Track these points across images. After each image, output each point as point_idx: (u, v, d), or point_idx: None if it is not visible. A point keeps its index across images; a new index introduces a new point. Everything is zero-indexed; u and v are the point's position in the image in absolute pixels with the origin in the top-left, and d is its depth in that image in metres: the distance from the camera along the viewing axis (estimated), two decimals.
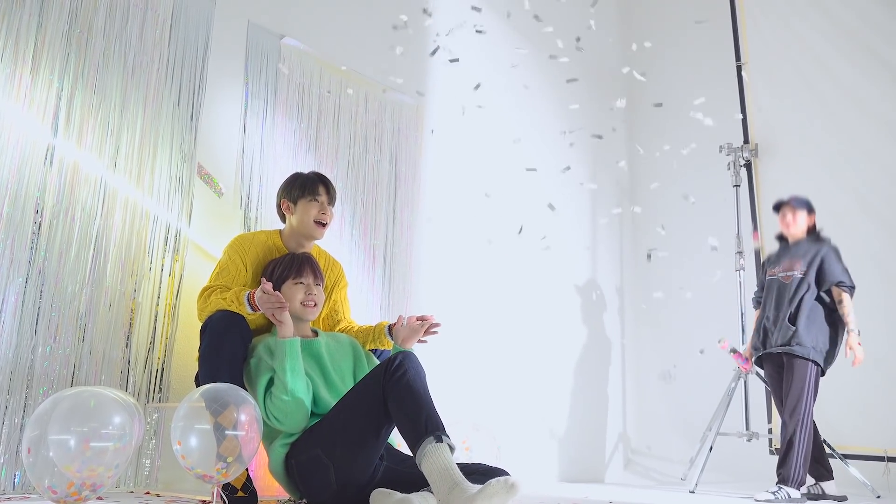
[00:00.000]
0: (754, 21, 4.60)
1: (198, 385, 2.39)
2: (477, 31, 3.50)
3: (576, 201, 4.93)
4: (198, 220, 2.91)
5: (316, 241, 2.64)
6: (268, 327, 2.40)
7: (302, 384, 2.19)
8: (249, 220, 3.09)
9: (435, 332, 2.48)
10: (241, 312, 2.27)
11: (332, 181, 2.66)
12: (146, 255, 2.72)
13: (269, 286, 2.21)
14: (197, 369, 2.53)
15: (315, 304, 2.37)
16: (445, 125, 4.04)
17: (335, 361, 2.40)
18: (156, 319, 2.73)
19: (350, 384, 2.40)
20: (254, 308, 2.25)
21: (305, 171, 2.70)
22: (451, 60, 3.48)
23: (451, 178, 4.02)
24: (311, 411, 2.24)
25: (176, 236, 2.83)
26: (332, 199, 2.60)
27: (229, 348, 2.23)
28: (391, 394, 2.04)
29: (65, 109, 2.56)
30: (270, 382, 2.19)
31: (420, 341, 2.48)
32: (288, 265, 2.39)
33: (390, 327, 2.54)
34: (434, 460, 1.90)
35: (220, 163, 3.03)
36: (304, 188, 2.55)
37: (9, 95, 2.43)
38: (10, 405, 2.30)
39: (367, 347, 2.58)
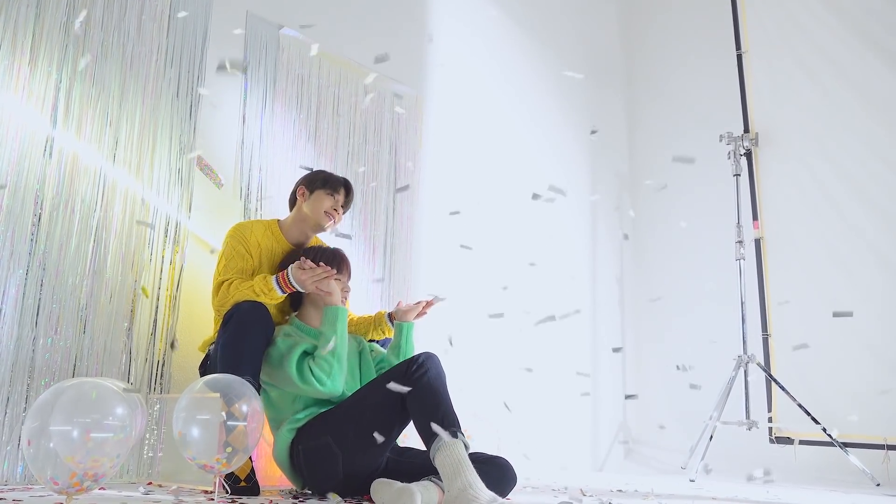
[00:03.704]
0: (755, 9, 4.58)
1: (202, 374, 2.41)
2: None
3: (576, 191, 4.93)
4: (198, 211, 2.91)
5: (317, 234, 2.66)
6: (282, 321, 2.45)
7: (346, 351, 2.30)
8: (249, 210, 3.09)
9: (432, 305, 2.62)
10: (269, 297, 2.30)
11: (333, 172, 2.69)
12: (146, 247, 2.73)
13: (308, 262, 2.30)
14: (200, 359, 2.55)
15: (344, 299, 2.44)
16: (445, 117, 4.04)
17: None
18: (157, 311, 2.73)
19: (357, 378, 2.43)
20: (284, 290, 2.30)
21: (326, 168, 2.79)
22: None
23: (450, 169, 4.01)
24: (320, 401, 2.27)
25: (176, 228, 2.83)
26: (347, 203, 2.64)
27: (254, 338, 2.25)
28: (411, 391, 2.05)
29: (63, 101, 2.56)
30: (304, 354, 2.25)
31: (421, 314, 2.60)
32: (330, 259, 2.43)
33: (390, 315, 2.58)
34: (448, 454, 1.91)
35: (219, 154, 3.03)
36: (327, 182, 2.60)
37: (7, 87, 2.42)
38: (12, 397, 2.31)
39: (369, 338, 2.61)
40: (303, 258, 2.32)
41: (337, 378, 2.23)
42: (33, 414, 1.60)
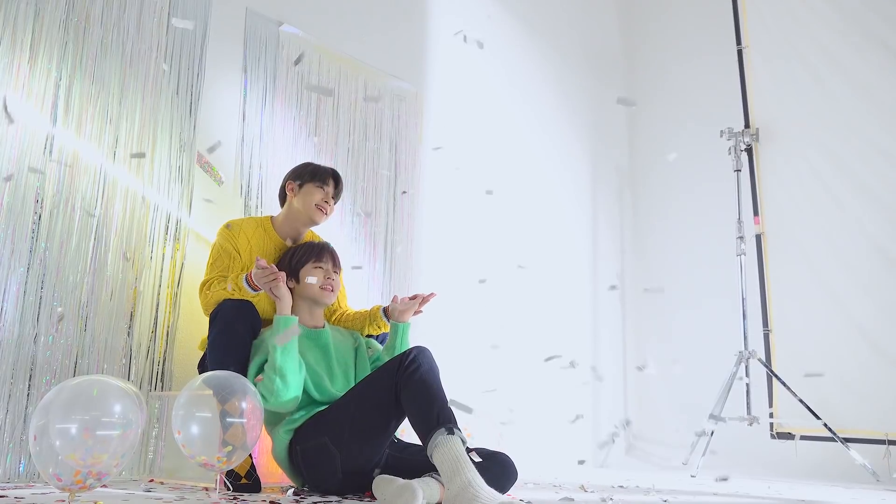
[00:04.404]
0: (755, 4, 4.57)
1: (201, 371, 2.41)
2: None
3: (577, 185, 4.93)
4: (198, 208, 2.91)
5: (312, 229, 2.65)
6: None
7: (293, 364, 2.17)
8: (250, 208, 3.09)
9: (428, 301, 2.53)
10: (244, 297, 2.28)
11: (333, 167, 2.68)
12: (147, 244, 2.73)
13: (262, 261, 2.22)
14: (199, 357, 2.55)
15: (332, 290, 2.41)
16: (445, 112, 4.03)
17: (340, 354, 2.42)
18: (157, 308, 2.74)
19: (352, 377, 2.42)
20: (254, 288, 2.26)
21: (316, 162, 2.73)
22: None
23: (450, 165, 4.01)
24: (316, 400, 2.26)
25: (176, 225, 2.83)
26: (337, 193, 2.62)
27: (239, 335, 2.24)
28: (404, 387, 2.04)
29: (63, 99, 2.56)
30: (265, 362, 2.20)
31: (416, 312, 2.53)
32: (307, 250, 2.43)
33: (385, 310, 2.56)
34: (446, 451, 1.89)
35: (219, 151, 3.03)
36: (315, 174, 2.58)
37: (7, 85, 2.42)
38: (14, 394, 2.32)
39: (366, 333, 2.59)
40: (258, 257, 2.27)
41: (280, 395, 2.12)
42: (39, 412, 1.61)
